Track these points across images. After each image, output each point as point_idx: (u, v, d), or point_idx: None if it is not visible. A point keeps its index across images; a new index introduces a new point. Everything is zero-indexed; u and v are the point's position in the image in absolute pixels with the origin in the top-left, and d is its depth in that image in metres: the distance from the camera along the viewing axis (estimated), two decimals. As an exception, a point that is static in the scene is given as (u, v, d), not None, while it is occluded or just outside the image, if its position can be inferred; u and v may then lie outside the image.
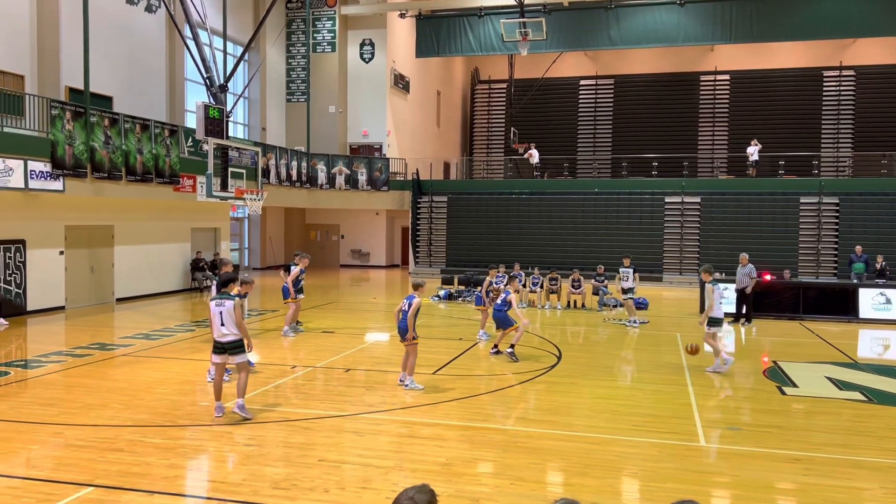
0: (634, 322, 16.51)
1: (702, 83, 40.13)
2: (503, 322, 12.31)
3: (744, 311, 17.41)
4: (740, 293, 17.36)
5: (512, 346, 12.30)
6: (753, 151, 30.10)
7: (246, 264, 31.36)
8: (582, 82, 41.94)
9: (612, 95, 41.53)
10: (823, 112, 38.14)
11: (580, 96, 42.02)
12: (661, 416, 9.07)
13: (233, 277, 8.94)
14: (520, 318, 12.21)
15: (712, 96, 39.98)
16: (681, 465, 7.24)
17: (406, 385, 10.09)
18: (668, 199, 29.13)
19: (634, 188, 30.15)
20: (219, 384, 8.77)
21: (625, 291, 17.07)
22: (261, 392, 10.02)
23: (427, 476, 6.73)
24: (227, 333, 8.44)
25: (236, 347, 8.50)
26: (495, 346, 12.70)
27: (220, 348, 8.54)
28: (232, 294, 8.63)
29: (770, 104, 38.34)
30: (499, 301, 12.46)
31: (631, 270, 17.11)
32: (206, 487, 6.70)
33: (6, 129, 15.75)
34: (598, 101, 41.82)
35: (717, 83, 39.95)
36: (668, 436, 8.21)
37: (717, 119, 39.80)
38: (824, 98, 38.17)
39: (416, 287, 10.17)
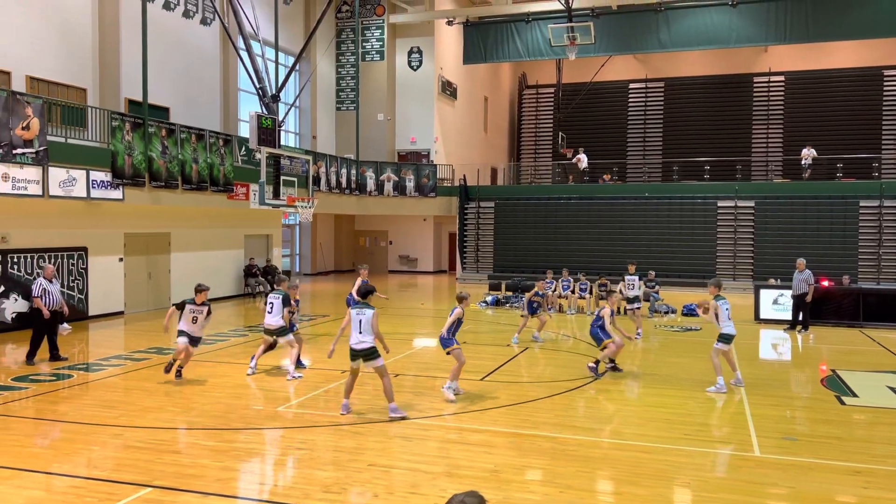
0: (639, 334, 15.58)
1: (755, 85, 39.24)
2: (597, 337, 11.70)
3: (800, 318, 16.94)
4: (798, 300, 16.89)
5: (597, 361, 11.61)
6: (808, 154, 29.28)
7: (297, 270, 31.86)
8: (631, 86, 41.46)
9: (662, 98, 40.93)
10: (884, 112, 36.86)
11: (630, 100, 41.54)
12: (714, 425, 8.90)
13: (371, 290, 9.20)
14: (619, 332, 11.67)
15: (766, 98, 39.05)
16: (734, 476, 7.09)
17: (443, 388, 10.02)
18: (720, 204, 28.54)
19: (686, 192, 29.63)
20: (350, 385, 9.13)
21: (630, 301, 16.51)
22: (311, 396, 10.18)
23: (475, 482, 6.74)
24: (364, 341, 8.77)
25: (371, 354, 8.80)
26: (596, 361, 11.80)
27: (355, 354, 8.85)
28: (371, 304, 8.91)
29: (827, 105, 37.24)
30: (596, 315, 11.90)
31: (636, 278, 16.56)
32: (259, 490, 6.84)
33: (70, 141, 16.38)
34: (648, 104, 41.27)
35: (771, 85, 39.01)
36: (722, 445, 8.05)
37: (772, 121, 38.85)
38: (885, 98, 36.88)
39: (461, 300, 10.08)
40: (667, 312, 19.55)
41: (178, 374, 10.97)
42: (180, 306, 11.08)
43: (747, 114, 39.12)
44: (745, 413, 9.40)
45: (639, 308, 16.54)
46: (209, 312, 11.21)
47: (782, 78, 38.73)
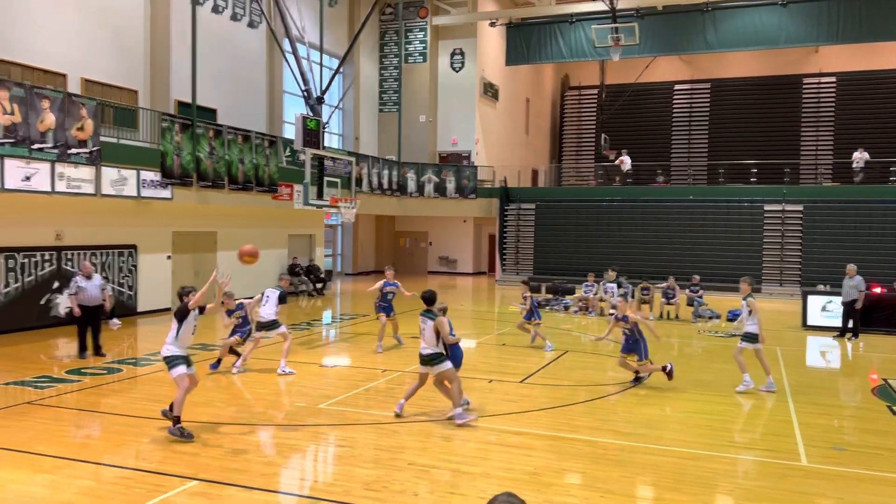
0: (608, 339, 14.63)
1: (805, 86, 38.35)
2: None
3: (850, 325, 16.50)
4: (847, 306, 16.46)
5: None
6: (860, 157, 28.49)
7: (338, 269, 32.19)
8: (676, 87, 40.90)
9: (708, 100, 40.29)
10: (941, 114, 35.67)
11: (675, 101, 40.99)
12: (760, 432, 8.74)
13: (433, 297, 9.07)
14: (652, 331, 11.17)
15: (816, 99, 38.13)
16: (780, 485, 6.95)
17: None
18: (767, 207, 27.96)
19: (732, 196, 29.10)
20: (413, 389, 9.16)
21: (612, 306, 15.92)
22: (352, 395, 10.29)
23: (514, 484, 6.74)
24: (426, 347, 8.81)
25: (434, 360, 8.76)
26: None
27: (421, 360, 8.89)
28: (435, 312, 8.88)
29: (880, 107, 36.18)
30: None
31: (615, 286, 15.81)
32: (301, 486, 6.94)
33: (122, 141, 16.84)
34: (694, 105, 40.66)
35: (821, 86, 38.07)
36: (767, 454, 7.89)
37: (822, 123, 37.91)
38: (942, 99, 35.71)
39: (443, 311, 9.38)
40: (711, 318, 19.23)
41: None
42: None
43: (796, 116, 38.25)
44: (792, 421, 9.21)
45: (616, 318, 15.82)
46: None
47: (833, 79, 37.77)
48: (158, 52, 20.32)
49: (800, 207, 27.61)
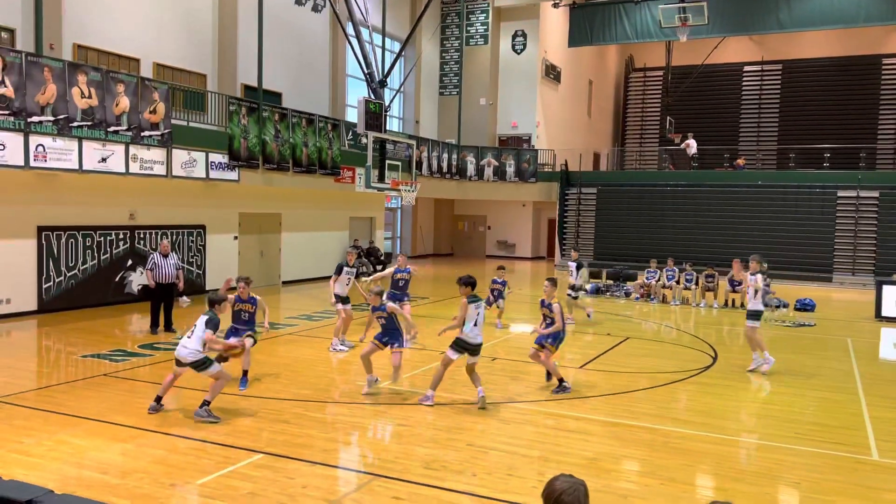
0: (570, 320, 14.26)
1: (884, 67, 36.59)
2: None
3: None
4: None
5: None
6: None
7: (398, 252, 32.50)
8: (746, 68, 39.62)
9: (779, 82, 38.90)
10: None
11: (744, 83, 39.73)
12: (828, 424, 8.49)
13: (472, 281, 8.77)
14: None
15: (896, 81, 36.38)
16: (849, 479, 6.75)
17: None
18: (840, 193, 26.88)
19: (803, 181, 28.07)
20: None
21: (574, 289, 15.55)
22: (411, 375, 10.43)
23: (572, 469, 6.73)
24: (480, 336, 8.77)
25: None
26: None
27: (473, 350, 8.80)
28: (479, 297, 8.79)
29: (967, 88, 34.29)
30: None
31: (574, 265, 15.34)
32: (361, 462, 7.10)
33: (191, 124, 17.34)
34: (764, 88, 39.33)
35: (903, 66, 36.30)
36: (835, 447, 7.67)
37: (903, 105, 36.18)
38: None
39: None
40: (778, 307, 18.69)
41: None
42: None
43: (874, 98, 36.58)
44: (863, 415, 8.91)
45: (576, 298, 15.59)
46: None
47: (916, 59, 35.96)
48: (226, 36, 20.78)
49: (875, 193, 26.46)
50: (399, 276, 13.23)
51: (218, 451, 7.04)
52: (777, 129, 38.52)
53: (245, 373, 9.59)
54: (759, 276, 11.08)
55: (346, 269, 12.36)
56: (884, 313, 17.31)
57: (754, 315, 11.09)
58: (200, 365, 8.11)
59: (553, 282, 9.90)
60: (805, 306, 18.53)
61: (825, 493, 6.41)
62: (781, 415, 8.89)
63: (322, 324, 14.69)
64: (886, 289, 17.53)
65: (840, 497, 6.31)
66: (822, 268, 25.90)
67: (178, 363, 8.20)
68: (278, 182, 19.64)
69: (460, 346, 8.72)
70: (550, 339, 9.59)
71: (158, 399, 8.37)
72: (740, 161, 31.55)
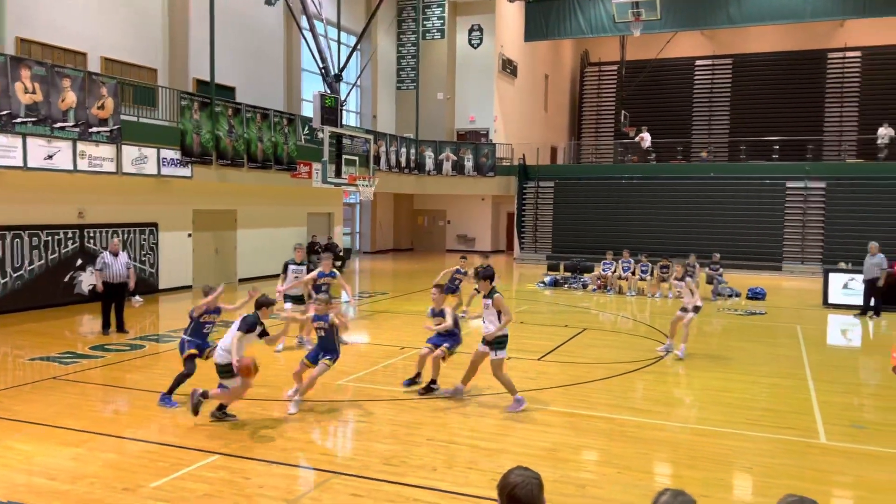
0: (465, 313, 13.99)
1: (829, 61, 37.63)
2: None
3: (872, 303, 16.32)
4: (869, 284, 16.27)
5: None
6: (885, 133, 27.99)
7: (357, 248, 32.32)
8: (698, 63, 40.32)
9: (730, 76, 39.69)
10: (970, 89, 34.87)
11: (696, 77, 40.43)
12: (779, 410, 8.71)
13: (491, 274, 8.44)
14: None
15: (841, 75, 37.42)
16: (798, 462, 6.94)
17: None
18: (789, 185, 27.59)
19: (753, 173, 28.75)
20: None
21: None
22: (370, 371, 10.38)
23: (532, 460, 6.78)
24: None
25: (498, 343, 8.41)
26: None
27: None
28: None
29: (907, 82, 35.43)
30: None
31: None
32: (320, 460, 7.04)
33: (142, 120, 16.95)
34: (715, 81, 40.09)
35: (846, 61, 37.33)
36: (786, 431, 7.87)
37: (846, 99, 37.25)
38: (971, 73, 34.89)
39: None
40: (731, 296, 19.11)
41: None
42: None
43: (820, 91, 37.59)
44: (811, 400, 9.16)
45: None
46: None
47: (859, 53, 37.02)
48: (177, 30, 20.34)
49: (822, 184, 27.23)
50: (322, 280, 12.01)
51: (172, 454, 6.91)
52: (728, 121, 39.32)
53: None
54: (688, 279, 11.89)
55: (292, 266, 11.90)
56: (831, 300, 17.84)
57: (697, 309, 11.64)
58: (225, 371, 7.66)
59: (440, 288, 9.53)
60: (756, 295, 18.99)
61: (776, 476, 6.57)
62: (734, 402, 9.09)
63: (280, 321, 14.50)
64: (833, 276, 18.06)
65: (791, 480, 6.48)
66: (772, 257, 26.58)
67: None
68: (233, 178, 19.33)
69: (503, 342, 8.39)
70: (448, 343, 9.10)
71: (223, 408, 7.95)
72: (704, 153, 32.10)
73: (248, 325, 7.77)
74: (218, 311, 8.76)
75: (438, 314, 9.25)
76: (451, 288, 14.23)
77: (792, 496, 2.69)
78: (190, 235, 19.40)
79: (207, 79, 18.86)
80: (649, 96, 39.43)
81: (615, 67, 40.75)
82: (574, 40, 41.31)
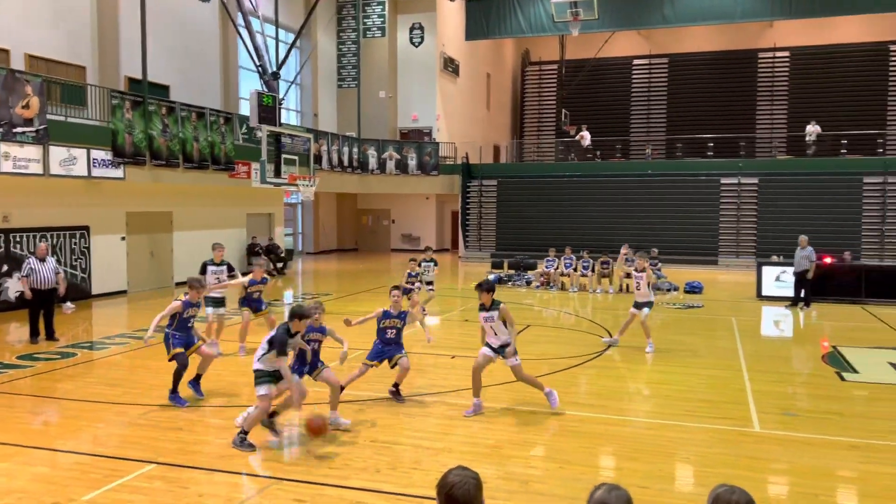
0: (423, 310, 14.31)
1: (760, 61, 38.89)
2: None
3: (802, 294, 16.94)
4: (799, 276, 16.88)
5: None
6: (812, 131, 29.11)
7: (300, 249, 31.89)
8: (635, 62, 41.11)
9: (666, 75, 40.62)
10: (889, 88, 36.53)
11: (633, 76, 41.23)
12: (715, 401, 8.94)
13: (493, 287, 8.46)
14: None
15: (771, 74, 38.73)
16: (734, 451, 7.13)
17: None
18: (724, 181, 28.43)
19: (689, 169, 29.51)
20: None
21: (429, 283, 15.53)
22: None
23: (476, 458, 6.79)
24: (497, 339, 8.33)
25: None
26: None
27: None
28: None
29: (832, 81, 36.90)
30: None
31: (432, 264, 15.69)
32: (262, 466, 6.89)
33: (70, 119, 16.32)
34: (652, 80, 40.97)
35: (775, 60, 38.67)
36: (722, 421, 8.09)
37: (776, 97, 38.56)
38: (890, 73, 36.54)
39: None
40: (669, 290, 19.56)
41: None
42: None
43: (751, 90, 38.81)
44: (746, 389, 9.44)
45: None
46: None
47: (787, 53, 38.36)
48: (106, 26, 19.67)
49: (755, 180, 28.14)
50: (253, 287, 11.53)
51: (105, 464, 6.66)
52: (665, 120, 40.24)
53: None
54: (649, 272, 12.08)
55: (211, 267, 11.32)
56: (764, 293, 18.44)
57: (650, 304, 11.90)
58: (255, 379, 7.25)
59: (400, 289, 9.20)
60: (693, 289, 19.49)
61: (713, 465, 6.74)
62: (673, 394, 9.29)
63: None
64: (766, 269, 18.68)
65: (727, 469, 6.65)
66: (708, 251, 27.35)
67: None
68: (168, 179, 18.80)
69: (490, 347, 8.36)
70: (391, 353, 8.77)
71: (273, 414, 7.54)
72: (648, 149, 32.69)
73: (279, 343, 7.03)
74: (198, 304, 8.90)
75: (398, 317, 8.81)
76: (407, 290, 14.00)
77: (723, 486, 2.74)
78: (123, 239, 18.80)
79: (140, 77, 18.29)
80: (589, 95, 40.05)
81: (555, 67, 41.27)
82: (515, 39, 41.65)
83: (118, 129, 16.89)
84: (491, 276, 21.87)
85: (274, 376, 7.22)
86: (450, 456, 6.86)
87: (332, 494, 6.05)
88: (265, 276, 12.00)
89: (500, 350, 8.29)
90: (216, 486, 6.22)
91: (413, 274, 14.68)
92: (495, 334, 8.28)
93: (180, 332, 8.63)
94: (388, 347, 8.70)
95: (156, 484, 6.23)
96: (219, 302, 11.38)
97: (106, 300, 17.72)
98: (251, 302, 11.72)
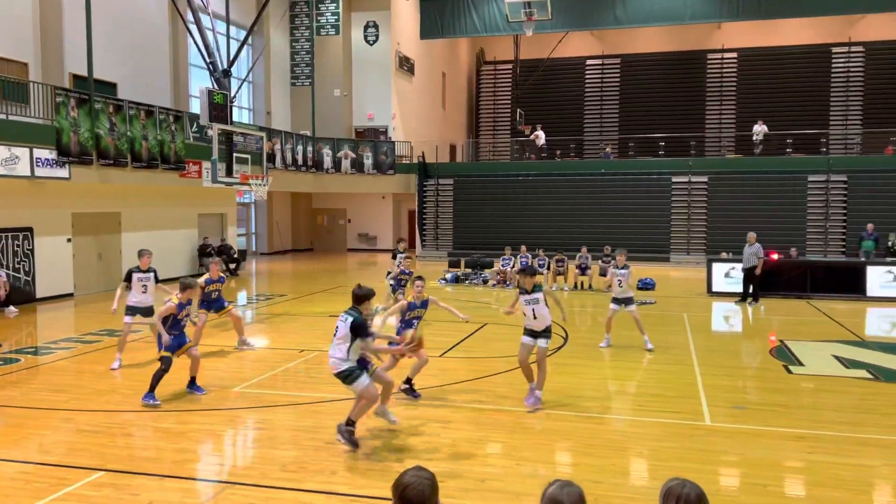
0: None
1: (709, 61, 39.75)
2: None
3: (751, 290, 17.37)
4: (748, 272, 17.30)
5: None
6: (760, 130, 29.90)
7: (253, 249, 31.44)
8: (588, 62, 41.61)
9: (618, 75, 41.20)
10: (832, 89, 37.73)
11: (587, 76, 41.72)
12: (667, 395, 9.10)
13: (536, 270, 8.79)
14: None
15: (719, 75, 39.61)
16: (686, 444, 7.27)
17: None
18: (675, 179, 28.98)
19: (641, 168, 30.01)
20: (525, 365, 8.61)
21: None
22: (269, 376, 10.10)
23: (434, 457, 6.78)
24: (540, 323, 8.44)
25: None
26: None
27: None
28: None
29: (778, 82, 37.94)
30: None
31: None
32: (216, 471, 6.77)
33: (11, 118, 15.79)
34: (605, 81, 41.51)
35: (724, 61, 39.56)
36: (674, 415, 8.23)
37: (725, 98, 39.47)
38: (833, 75, 37.74)
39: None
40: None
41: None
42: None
43: (701, 90, 39.64)
44: (697, 384, 9.63)
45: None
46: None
47: (735, 55, 39.28)
48: (49, 21, 19.07)
49: (705, 179, 28.75)
50: (211, 286, 11.58)
51: (51, 473, 6.46)
52: (618, 119, 40.83)
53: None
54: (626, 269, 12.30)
55: (137, 275, 10.54)
56: (714, 289, 18.86)
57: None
58: (347, 376, 6.96)
59: (423, 280, 9.50)
60: (646, 285, 19.82)
61: (666, 459, 6.85)
62: (626, 389, 9.44)
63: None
64: (716, 266, 19.11)
65: (679, 462, 6.77)
66: (660, 248, 27.84)
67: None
68: (116, 178, 18.33)
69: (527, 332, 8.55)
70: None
71: (351, 423, 7.10)
72: (608, 148, 33.00)
73: (364, 330, 6.85)
74: (190, 302, 9.09)
75: (421, 306, 9.18)
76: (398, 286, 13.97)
77: (674, 479, 2.79)
78: (69, 240, 18.26)
79: (85, 74, 17.78)
80: (543, 95, 40.40)
81: (510, 66, 41.52)
82: (470, 39, 41.78)
83: (63, 128, 16.40)
84: (448, 275, 21.89)
85: (362, 367, 7.05)
86: (407, 456, 6.84)
87: (287, 498, 5.98)
88: (221, 274, 11.85)
89: (544, 333, 8.41)
90: (168, 493, 6.08)
91: (407, 272, 14.46)
92: (535, 318, 8.40)
93: (174, 333, 8.81)
94: None
95: (105, 492, 6.06)
96: (146, 312, 10.64)
97: (51, 304, 17.19)
98: (210, 303, 11.59)
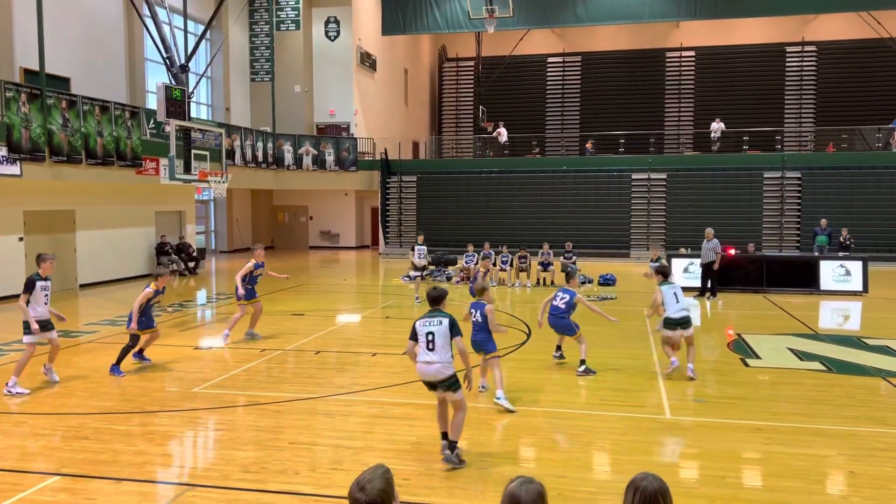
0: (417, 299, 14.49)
1: (667, 60, 40.34)
2: (568, 328, 10.27)
3: (709, 285, 17.69)
4: (706, 268, 17.62)
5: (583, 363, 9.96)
6: (717, 128, 30.44)
7: (213, 247, 30.97)
8: (549, 60, 41.88)
9: (579, 73, 41.57)
10: (786, 87, 38.64)
11: (548, 74, 41.99)
12: (628, 390, 9.21)
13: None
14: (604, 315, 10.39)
15: (678, 73, 40.23)
16: (647, 438, 7.37)
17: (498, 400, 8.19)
18: (635, 176, 29.36)
19: (602, 165, 30.33)
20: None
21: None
22: (230, 376, 9.95)
23: (397, 455, 6.76)
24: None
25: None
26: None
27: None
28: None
29: (734, 80, 38.71)
30: (561, 305, 10.34)
31: (492, 254, 15.94)
32: (175, 473, 6.65)
33: (-41, 113, 15.27)
34: (566, 78, 41.84)
35: (682, 60, 40.20)
36: (635, 409, 8.34)
37: (683, 95, 40.11)
38: (787, 73, 38.64)
39: (482, 291, 8.64)
40: (584, 283, 20.02)
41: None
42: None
43: (660, 88, 40.22)
44: (657, 378, 9.77)
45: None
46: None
47: (693, 53, 39.94)
48: (-1, 13, 18.50)
49: (664, 176, 29.19)
50: (259, 271, 12.75)
51: (5, 479, 6.28)
52: (579, 116, 41.20)
53: None
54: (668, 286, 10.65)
55: (39, 283, 9.44)
56: (674, 283, 19.13)
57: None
58: (454, 384, 6.50)
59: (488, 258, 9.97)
60: (607, 281, 20.04)
61: (628, 453, 6.94)
62: (588, 384, 9.52)
63: (123, 329, 13.59)
64: (675, 261, 19.40)
65: (641, 455, 6.86)
66: (620, 245, 28.19)
67: (431, 385, 6.57)
68: (70, 176, 17.86)
69: (670, 323, 9.81)
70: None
71: (446, 435, 6.58)
72: (589, 144, 33.09)
73: (457, 328, 6.69)
74: (164, 290, 10.39)
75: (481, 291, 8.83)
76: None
77: (642, 474, 2.83)
78: (21, 239, 17.75)
79: (37, 68, 17.28)
80: (505, 92, 40.55)
81: (472, 63, 41.59)
82: (432, 35, 41.70)
83: (13, 124, 15.92)
84: (411, 273, 21.82)
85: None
86: (371, 454, 6.80)
87: (249, 499, 5.90)
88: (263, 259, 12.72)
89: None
90: (125, 497, 5.95)
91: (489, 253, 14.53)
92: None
93: (145, 317, 10.13)
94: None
95: (60, 497, 5.91)
96: (45, 325, 9.43)
97: (2, 304, 16.68)
98: (253, 290, 12.66)
